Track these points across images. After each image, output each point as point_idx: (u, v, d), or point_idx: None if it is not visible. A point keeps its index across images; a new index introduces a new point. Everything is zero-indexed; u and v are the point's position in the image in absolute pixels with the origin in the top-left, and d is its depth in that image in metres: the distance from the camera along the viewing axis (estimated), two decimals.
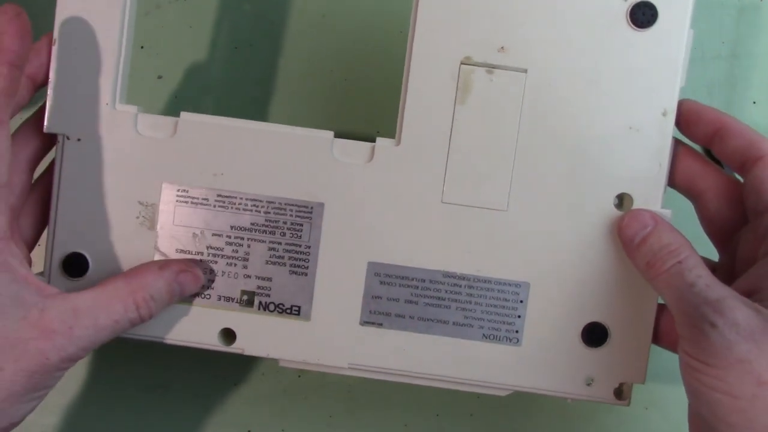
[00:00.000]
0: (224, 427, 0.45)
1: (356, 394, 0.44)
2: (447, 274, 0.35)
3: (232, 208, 0.35)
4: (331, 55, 0.44)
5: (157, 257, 0.35)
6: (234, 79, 0.44)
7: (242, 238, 0.35)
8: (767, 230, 0.32)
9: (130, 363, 0.44)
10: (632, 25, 0.34)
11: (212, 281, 0.35)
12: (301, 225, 0.35)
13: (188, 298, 0.35)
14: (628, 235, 0.33)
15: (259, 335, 0.35)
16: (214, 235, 0.35)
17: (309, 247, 0.35)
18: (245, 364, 0.44)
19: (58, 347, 0.30)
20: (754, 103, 0.44)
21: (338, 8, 0.44)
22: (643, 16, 0.34)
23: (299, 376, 0.44)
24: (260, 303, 0.35)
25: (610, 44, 0.34)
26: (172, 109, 0.45)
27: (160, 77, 0.44)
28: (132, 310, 0.32)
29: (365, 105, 0.44)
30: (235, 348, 0.35)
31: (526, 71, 0.34)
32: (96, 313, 0.31)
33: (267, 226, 0.35)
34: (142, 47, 0.44)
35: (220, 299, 0.35)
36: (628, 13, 0.34)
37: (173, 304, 0.34)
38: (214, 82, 0.44)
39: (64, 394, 0.44)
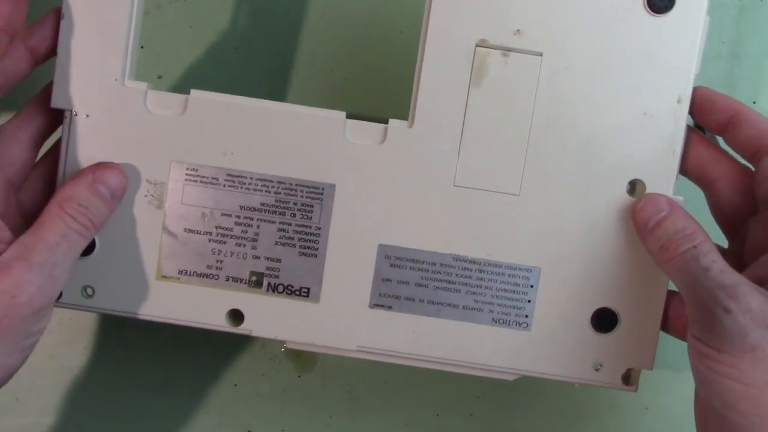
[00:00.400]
0: (224, 427, 0.44)
1: (356, 395, 0.44)
2: (458, 258, 0.34)
3: (242, 187, 0.34)
4: (332, 56, 0.43)
5: (164, 237, 0.34)
6: (234, 79, 0.43)
7: (252, 219, 0.34)
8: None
9: (130, 363, 0.44)
10: (649, 11, 0.33)
11: (221, 261, 0.34)
12: (312, 206, 0.34)
13: (196, 280, 0.34)
14: (643, 219, 0.33)
15: (267, 317, 0.35)
16: (223, 215, 0.34)
17: (319, 228, 0.34)
18: (245, 364, 0.44)
19: (21, 281, 0.30)
20: (754, 103, 0.44)
21: (338, 8, 0.43)
22: (660, 2, 0.33)
23: (299, 377, 0.44)
24: (269, 284, 0.34)
25: (626, 29, 0.34)
26: None
27: (160, 77, 0.44)
28: (70, 221, 0.32)
29: (365, 105, 0.44)
30: (243, 329, 0.35)
31: (541, 55, 0.34)
32: (41, 236, 0.31)
33: (277, 206, 0.34)
34: (142, 47, 0.44)
35: (228, 280, 0.34)
36: None
37: (112, 206, 0.33)
38: (214, 82, 0.43)
39: (64, 394, 0.44)
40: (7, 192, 0.33)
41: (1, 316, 0.29)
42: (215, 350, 0.44)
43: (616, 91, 0.34)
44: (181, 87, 0.44)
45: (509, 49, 0.34)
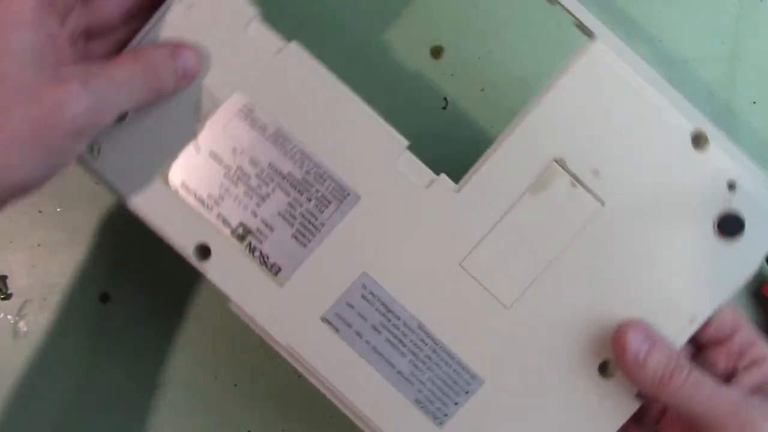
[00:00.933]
0: (224, 427, 0.44)
1: None
2: (422, 327, 0.34)
3: (281, 149, 0.34)
4: (331, 55, 0.44)
5: (189, 147, 0.34)
6: None
7: (272, 180, 0.34)
8: (742, 346, 0.35)
9: (130, 362, 0.44)
10: (716, 229, 0.34)
11: (222, 198, 0.34)
12: (330, 203, 0.34)
13: (191, 200, 0.34)
14: (634, 349, 0.33)
15: (230, 270, 0.34)
16: (250, 161, 0.34)
17: (323, 225, 0.34)
18: (245, 364, 0.44)
19: (73, 96, 0.29)
20: (754, 103, 0.44)
21: (338, 7, 0.44)
22: (730, 227, 0.34)
23: (299, 377, 0.44)
24: (250, 243, 0.34)
25: (686, 236, 0.34)
26: None
27: None
28: (139, 73, 0.32)
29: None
30: (202, 267, 0.34)
31: (603, 205, 0.34)
32: (107, 70, 0.31)
33: (301, 184, 0.34)
34: None
35: (218, 217, 0.34)
36: (719, 217, 0.33)
37: (181, 84, 0.34)
38: None
39: (64, 393, 0.44)
40: (81, 34, 0.33)
41: (42, 121, 0.29)
42: (215, 350, 0.44)
43: (642, 278, 0.34)
44: None
45: (580, 182, 0.34)
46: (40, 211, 0.45)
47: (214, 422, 0.44)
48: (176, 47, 0.33)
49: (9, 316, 0.45)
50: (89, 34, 0.34)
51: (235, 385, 0.44)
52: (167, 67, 0.33)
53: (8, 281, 0.45)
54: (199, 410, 0.44)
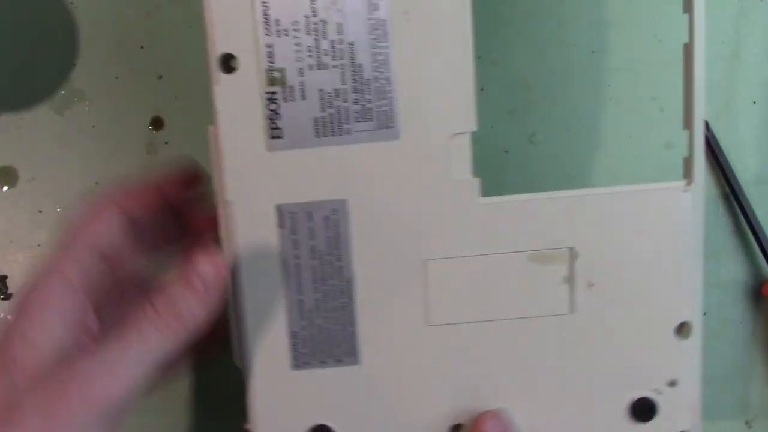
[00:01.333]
0: (224, 427, 0.43)
1: None
2: (350, 282, 0.33)
3: (372, 39, 0.31)
4: None
5: None
6: None
7: (341, 58, 0.31)
8: None
9: None
10: (630, 402, 0.34)
11: (285, 34, 0.31)
12: (370, 120, 0.31)
13: (260, 18, 0.30)
14: None
15: (238, 100, 0.31)
16: (337, 26, 0.31)
17: (348, 134, 0.31)
18: None
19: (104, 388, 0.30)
20: (754, 103, 0.45)
21: None
22: (641, 411, 0.34)
23: None
24: (274, 93, 0.31)
25: (605, 388, 0.34)
26: (172, 109, 0.44)
27: (160, 77, 0.44)
28: (153, 329, 0.30)
29: None
30: (216, 76, 0.31)
31: (572, 313, 0.33)
32: (124, 342, 0.31)
33: (361, 83, 0.31)
34: (142, 47, 0.44)
35: (268, 46, 0.31)
36: (641, 397, 0.34)
37: (212, 300, 0.31)
38: None
39: None
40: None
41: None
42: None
43: (540, 395, 0.34)
44: (181, 87, 0.44)
45: (572, 283, 0.33)
46: (40, 211, 0.44)
47: (214, 422, 0.44)
48: (188, 270, 0.30)
49: (9, 316, 0.43)
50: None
51: (235, 385, 0.42)
52: (188, 302, 0.30)
53: (8, 281, 0.45)
54: (199, 410, 0.44)
